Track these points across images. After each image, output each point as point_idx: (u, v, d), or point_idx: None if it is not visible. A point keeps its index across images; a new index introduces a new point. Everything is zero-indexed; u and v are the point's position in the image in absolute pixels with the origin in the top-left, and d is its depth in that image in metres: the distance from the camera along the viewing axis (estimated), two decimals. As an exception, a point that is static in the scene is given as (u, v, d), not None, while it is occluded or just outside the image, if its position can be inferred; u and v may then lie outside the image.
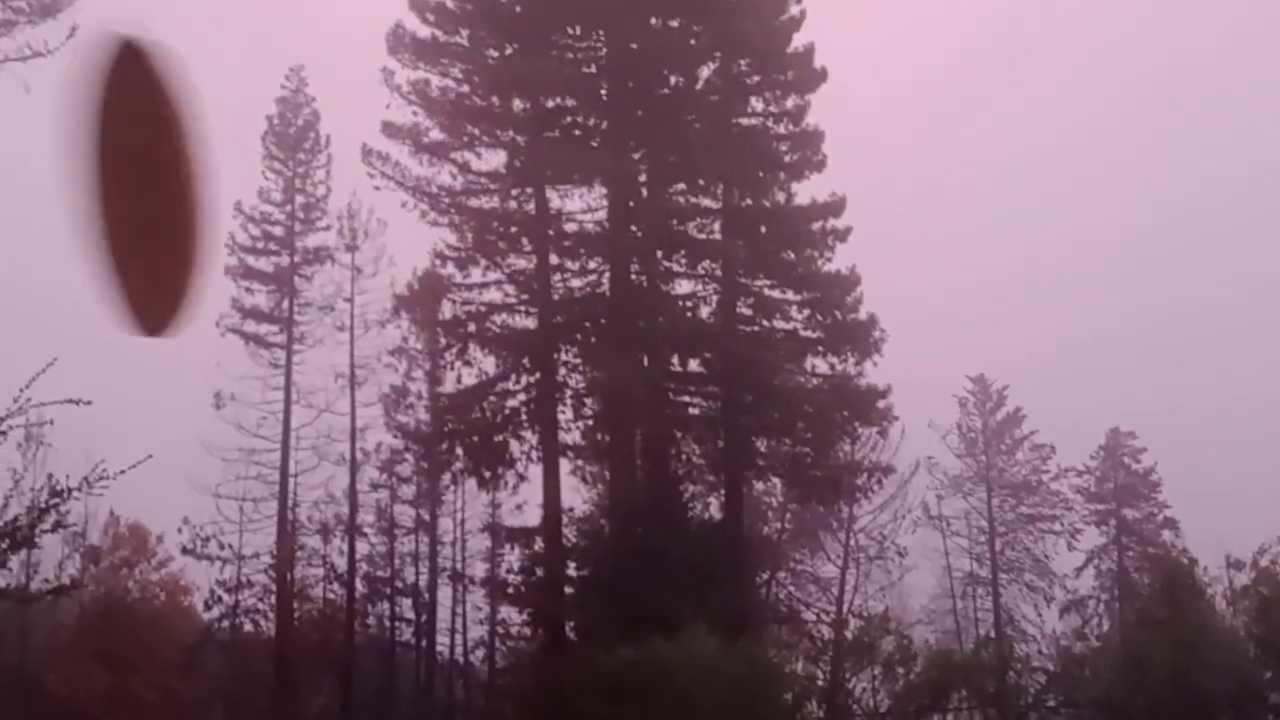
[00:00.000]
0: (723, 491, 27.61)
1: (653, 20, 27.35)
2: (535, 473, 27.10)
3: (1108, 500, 47.38)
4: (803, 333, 27.69)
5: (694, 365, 27.27)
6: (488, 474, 27.80)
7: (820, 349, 27.42)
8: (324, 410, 31.27)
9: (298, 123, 32.78)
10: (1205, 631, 21.81)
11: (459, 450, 28.08)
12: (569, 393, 27.41)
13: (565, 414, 27.25)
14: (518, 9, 27.36)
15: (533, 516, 28.33)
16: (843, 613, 32.81)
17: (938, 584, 42.71)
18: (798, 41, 27.84)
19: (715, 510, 27.68)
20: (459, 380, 28.49)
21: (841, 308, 27.18)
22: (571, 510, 27.56)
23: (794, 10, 28.10)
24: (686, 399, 28.05)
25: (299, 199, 32.34)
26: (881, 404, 27.38)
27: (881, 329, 27.13)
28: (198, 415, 30.59)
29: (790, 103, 28.15)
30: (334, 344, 31.40)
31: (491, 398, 27.72)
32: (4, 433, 7.92)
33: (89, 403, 8.49)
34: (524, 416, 27.37)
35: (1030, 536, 46.23)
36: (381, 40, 27.01)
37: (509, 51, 27.46)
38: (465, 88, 27.41)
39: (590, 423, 27.45)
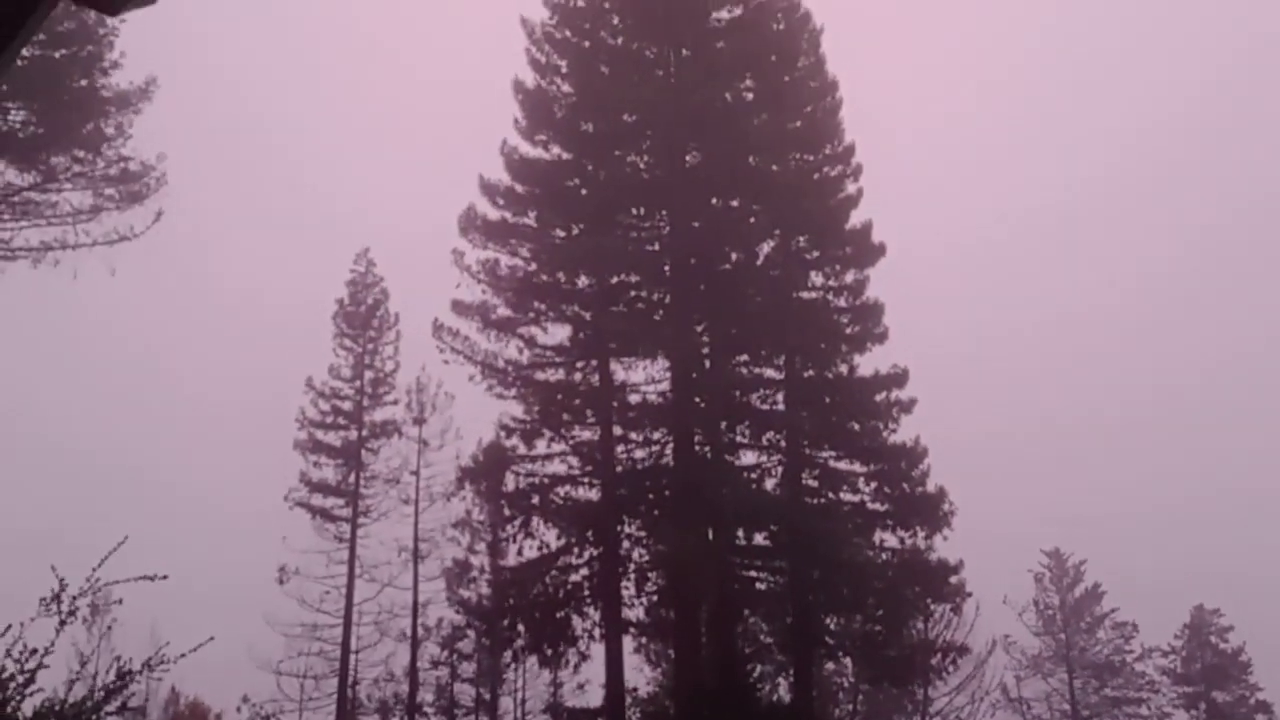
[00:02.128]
0: (791, 671, 26.63)
1: (714, 200, 28.12)
2: (598, 651, 26.45)
3: (1196, 682, 45.07)
4: (870, 505, 27.18)
5: (760, 538, 26.77)
6: (549, 651, 27.18)
7: (889, 522, 26.84)
8: (387, 584, 31.18)
9: (367, 301, 33.92)
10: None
11: (520, 626, 27.58)
12: (632, 567, 26.97)
13: (628, 589, 26.74)
14: (584, 191, 28.34)
15: (595, 696, 27.57)
16: (921, 803, 31.01)
17: (1021, 771, 40.40)
18: (855, 218, 28.42)
19: (784, 691, 26.68)
20: (521, 554, 28.24)
21: (909, 480, 26.73)
22: (635, 690, 26.75)
23: (850, 189, 28.82)
24: (753, 574, 27.44)
25: (368, 374, 33.13)
26: (954, 579, 26.55)
27: (951, 501, 26.57)
28: (263, 589, 30.62)
29: (850, 277, 28.49)
30: (399, 517, 31.58)
31: (554, 572, 27.34)
32: (74, 612, 7.90)
33: (164, 577, 8.47)
34: (586, 591, 26.91)
35: (1117, 721, 43.96)
36: (449, 219, 28.08)
37: (575, 231, 28.31)
38: (533, 266, 28.19)
39: (654, 598, 26.87)
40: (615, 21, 29.51)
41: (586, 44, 29.33)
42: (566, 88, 29.35)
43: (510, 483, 28.03)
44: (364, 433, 32.65)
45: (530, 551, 27.59)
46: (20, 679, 7.32)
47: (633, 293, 28.57)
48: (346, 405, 32.97)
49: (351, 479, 32.31)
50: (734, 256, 27.96)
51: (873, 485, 27.16)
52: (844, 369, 27.88)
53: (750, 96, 28.76)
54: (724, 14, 29.14)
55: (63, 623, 7.72)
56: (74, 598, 8.00)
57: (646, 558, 27.08)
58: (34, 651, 7.24)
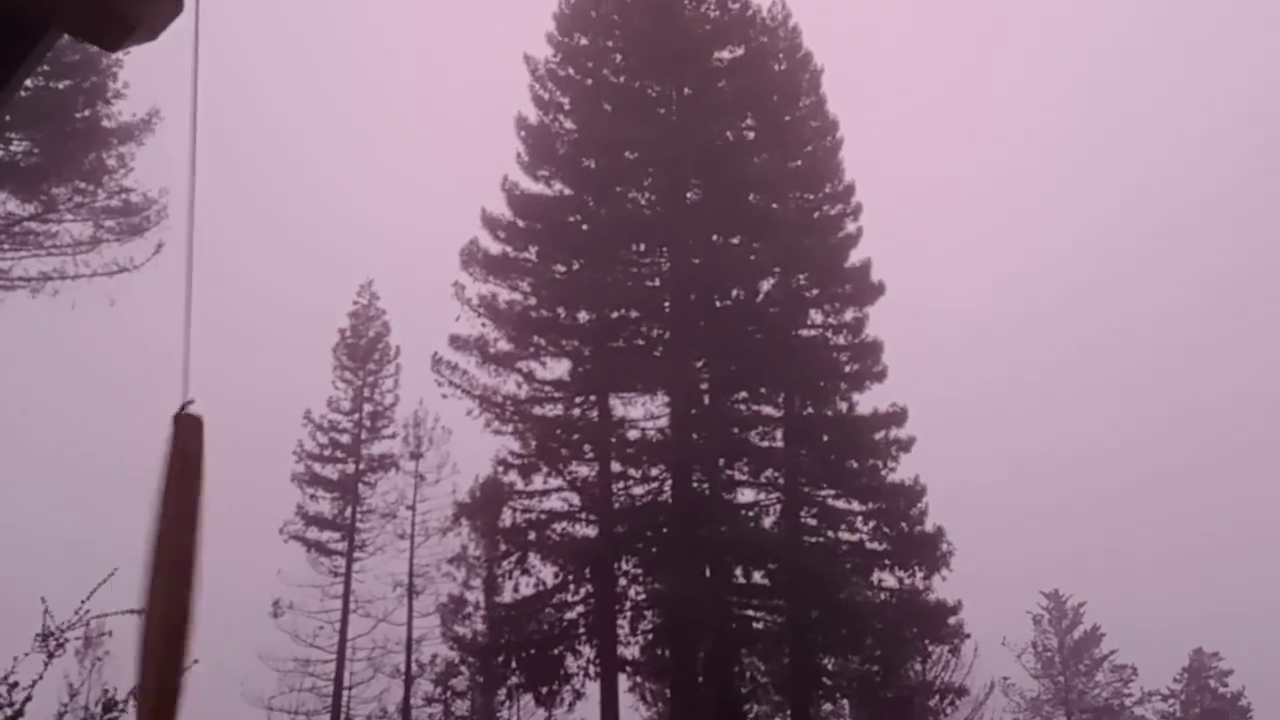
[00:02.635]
0: (789, 712, 26.37)
1: (715, 237, 28.21)
2: (593, 689, 26.19)
3: (1197, 727, 44.67)
4: (869, 544, 27.05)
5: (758, 577, 26.62)
6: (544, 689, 26.89)
7: (887, 562, 26.71)
8: (381, 620, 30.93)
9: (369, 334, 33.90)
10: None
11: (515, 664, 27.32)
12: (629, 605, 26.79)
13: (624, 627, 26.53)
14: (585, 227, 28.43)
15: (590, 736, 27.21)
16: None
17: (1020, 817, 39.98)
18: (855, 257, 28.53)
19: (781, 732, 26.38)
20: (517, 590, 28.02)
21: (908, 519, 26.62)
22: (630, 730, 26.46)
23: (850, 228, 28.97)
24: (750, 613, 27.23)
25: (367, 408, 33.06)
26: (952, 620, 26.35)
27: (949, 542, 26.45)
28: (255, 623, 30.37)
29: (849, 315, 28.55)
30: (394, 552, 31.39)
31: (549, 609, 27.13)
32: (62, 644, 7.81)
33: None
34: (582, 629, 26.69)
35: (1117, 766, 43.58)
36: (450, 251, 28.15)
37: (576, 266, 28.37)
38: (533, 300, 28.22)
39: (650, 637, 26.65)
40: (618, 60, 29.75)
41: (589, 81, 29.56)
42: (569, 124, 29.54)
43: (507, 518, 27.87)
44: (361, 466, 32.53)
45: (526, 588, 27.40)
46: (8, 711, 7.23)
47: (633, 328, 28.58)
48: (345, 438, 32.88)
49: (348, 513, 32.16)
50: (734, 293, 28.01)
51: (871, 524, 27.06)
52: (843, 407, 27.86)
53: (751, 135, 28.96)
54: (726, 54, 29.39)
55: (51, 655, 7.63)
56: (63, 630, 7.92)
57: (643, 596, 26.89)
58: (15, 685, 7.15)
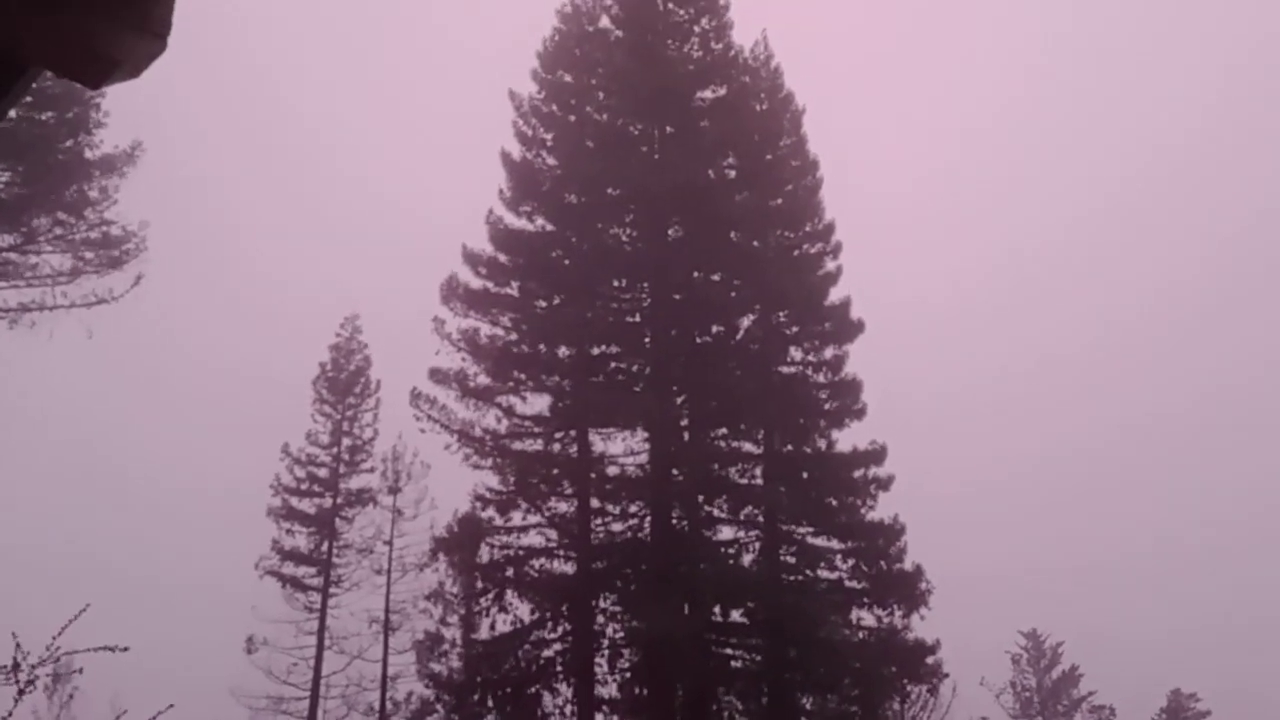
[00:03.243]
0: (767, 752, 26.15)
1: (695, 274, 28.34)
2: (570, 728, 25.93)
3: (1176, 768, 44.59)
4: (848, 583, 27.01)
5: (736, 615, 26.50)
6: (520, 728, 26.65)
7: (866, 600, 26.67)
8: (356, 657, 30.62)
9: (349, 368, 33.78)
10: None
11: (491, 702, 27.04)
12: (606, 643, 26.62)
13: (602, 665, 26.35)
14: (567, 262, 28.52)
15: (566, 776, 26.89)
16: None
17: None
18: (834, 295, 28.71)
19: (759, 772, 26.15)
20: (494, 627, 27.80)
21: (886, 557, 26.62)
22: (607, 769, 26.17)
23: (830, 266, 29.18)
24: (729, 651, 27.10)
25: (345, 441, 32.88)
26: (931, 660, 26.31)
27: (928, 580, 26.45)
28: (229, 659, 30.03)
29: (829, 353, 28.68)
30: (370, 588, 31.12)
31: (526, 646, 26.92)
32: (33, 681, 7.73)
33: (125, 649, 8.30)
34: (559, 667, 26.48)
35: (1096, 808, 43.44)
36: (431, 286, 28.15)
37: (557, 301, 28.42)
38: (513, 335, 28.23)
39: (628, 675, 26.46)
40: (601, 98, 30.00)
41: (573, 119, 29.77)
42: (552, 160, 29.70)
43: (485, 554, 27.71)
44: (339, 500, 32.32)
45: (503, 625, 27.19)
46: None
47: (613, 364, 28.61)
48: (323, 472, 32.68)
49: (324, 548, 31.90)
50: (715, 330, 28.10)
51: (850, 563, 27.03)
52: (822, 444, 27.91)
53: (733, 174, 29.19)
54: (708, 93, 29.67)
55: (21, 692, 7.53)
56: (33, 666, 7.82)
57: (621, 634, 26.73)
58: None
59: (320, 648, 30.83)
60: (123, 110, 26.69)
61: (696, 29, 30.18)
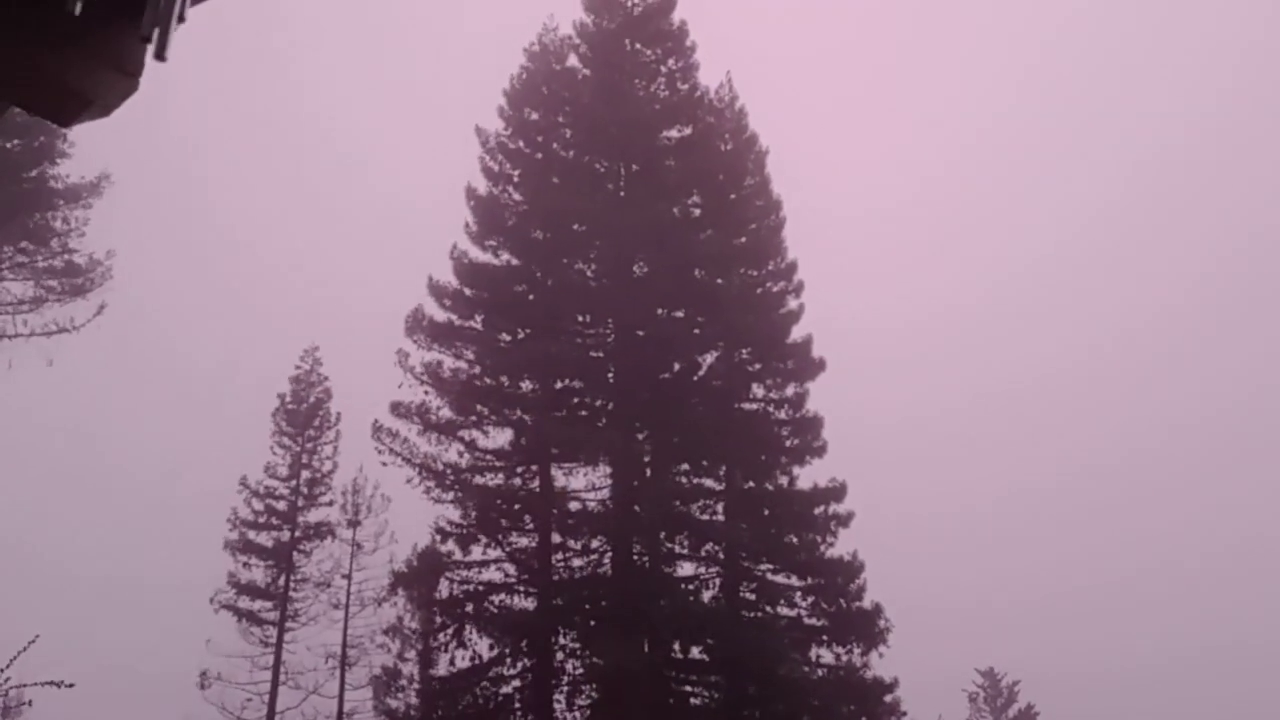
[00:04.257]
0: (725, 790, 26.03)
1: (659, 310, 28.55)
2: (528, 765, 25.73)
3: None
4: (807, 620, 27.06)
5: (696, 652, 26.47)
6: (478, 765, 26.40)
7: (825, 638, 26.72)
8: (312, 692, 30.25)
9: (309, 400, 33.60)
10: None
11: (448, 739, 26.78)
12: (566, 679, 26.47)
13: (560, 702, 26.18)
14: (531, 297, 28.65)
15: (523, 814, 26.61)
16: None
17: None
18: (796, 333, 28.98)
19: (717, 811, 26.01)
20: (453, 663, 27.58)
21: (846, 595, 26.72)
22: (565, 808, 25.93)
23: (792, 304, 29.48)
24: (688, 688, 27.02)
25: (305, 474, 32.64)
26: (889, 698, 26.34)
27: (886, 619, 26.57)
28: (181, 695, 29.56)
29: (790, 390, 28.89)
30: (328, 622, 30.80)
31: (485, 683, 26.72)
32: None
33: (71, 685, 8.25)
34: (518, 704, 26.30)
35: None
36: (394, 320, 28.16)
37: (521, 336, 28.51)
38: (477, 369, 28.25)
39: (588, 712, 26.32)
40: (568, 135, 30.30)
41: (539, 155, 30.03)
42: (518, 196, 29.91)
43: (444, 589, 27.54)
44: (297, 534, 32.02)
45: (462, 661, 26.99)
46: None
47: (576, 399, 28.68)
48: (281, 505, 32.38)
49: (281, 581, 31.55)
50: (677, 366, 28.28)
51: (810, 600, 27.10)
52: (783, 481, 28.05)
53: (698, 212, 29.51)
54: (674, 133, 30.06)
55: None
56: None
57: (580, 670, 26.61)
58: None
59: (275, 683, 30.41)
60: (89, 140, 26.62)
61: (663, 69, 30.62)
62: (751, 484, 28.12)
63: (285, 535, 32.15)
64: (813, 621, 27.07)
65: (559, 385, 28.49)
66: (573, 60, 30.89)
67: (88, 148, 26.37)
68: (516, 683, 26.50)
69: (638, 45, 30.68)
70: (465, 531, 27.12)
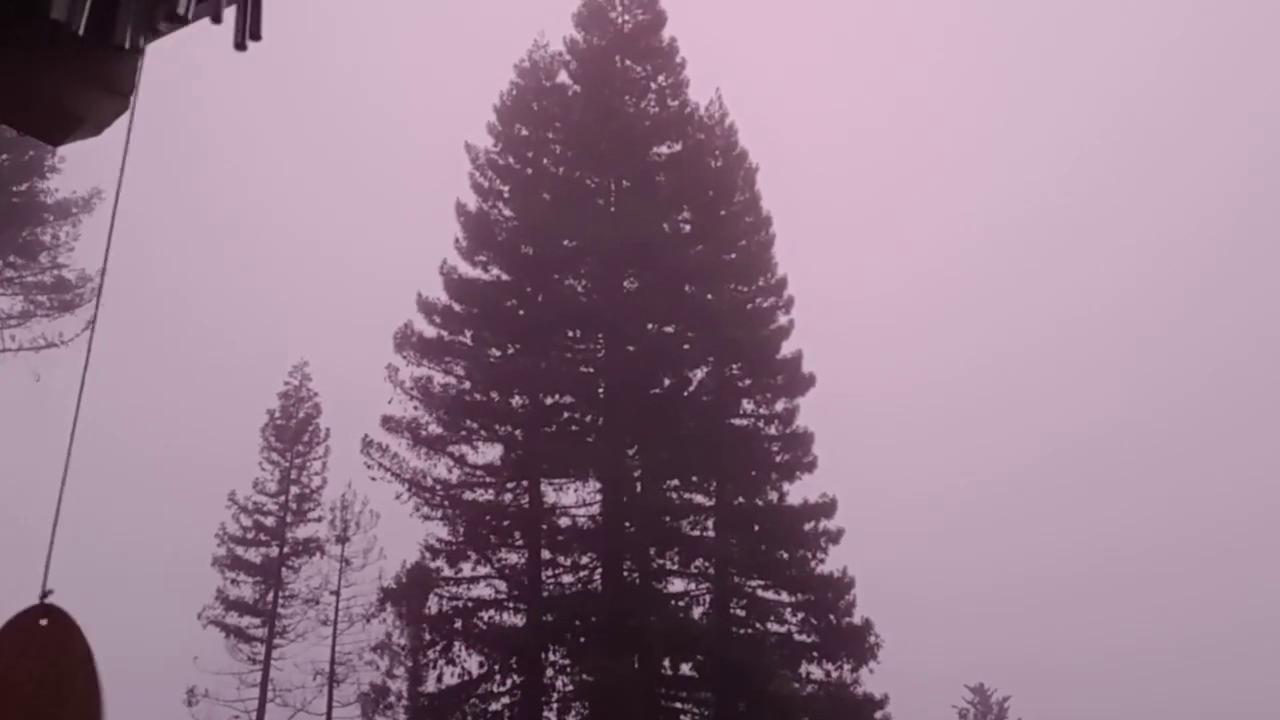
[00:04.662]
0: (715, 807, 25.93)
1: (650, 326, 28.57)
2: (517, 783, 25.59)
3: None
4: (797, 636, 27.01)
5: (686, 668, 26.39)
6: (466, 783, 26.26)
7: (815, 654, 26.67)
8: (300, 709, 30.09)
9: (299, 415, 33.50)
10: None
11: (437, 756, 26.63)
12: (555, 696, 26.36)
13: (550, 719, 26.09)
14: (521, 312, 28.65)
15: (512, 832, 26.46)
16: None
17: None
18: (786, 349, 29.00)
19: (707, 829, 25.92)
20: (441, 680, 27.44)
21: (836, 611, 26.68)
22: (554, 826, 25.80)
23: (783, 320, 29.52)
24: (678, 705, 26.94)
25: (293, 490, 32.51)
26: (879, 715, 26.29)
27: (877, 634, 26.53)
28: (169, 712, 29.35)
29: (780, 405, 28.91)
30: (316, 639, 30.64)
31: (474, 700, 26.60)
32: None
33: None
34: (507, 720, 26.18)
35: None
36: (383, 333, 28.14)
37: (511, 351, 28.50)
38: (466, 384, 28.22)
39: (577, 729, 26.22)
40: (558, 151, 30.37)
41: (529, 171, 30.09)
42: (508, 212, 29.95)
43: (433, 606, 27.44)
44: (286, 550, 31.88)
45: (451, 678, 26.87)
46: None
47: (566, 414, 28.66)
48: (270, 521, 32.25)
49: (270, 597, 31.40)
50: (668, 381, 28.28)
51: (800, 616, 27.05)
52: (773, 497, 28.03)
53: (688, 228, 29.58)
54: (664, 149, 30.17)
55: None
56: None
57: (570, 687, 26.51)
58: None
59: (263, 700, 30.22)
60: (78, 156, 26.53)
61: (653, 86, 30.75)
62: (742, 500, 28.11)
63: (274, 551, 32.00)
64: (803, 638, 27.02)
65: (549, 400, 28.47)
66: (563, 76, 31.00)
67: (76, 155, 26.31)
68: (506, 700, 26.38)
69: (628, 62, 30.80)
70: (455, 548, 27.05)
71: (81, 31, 2.56)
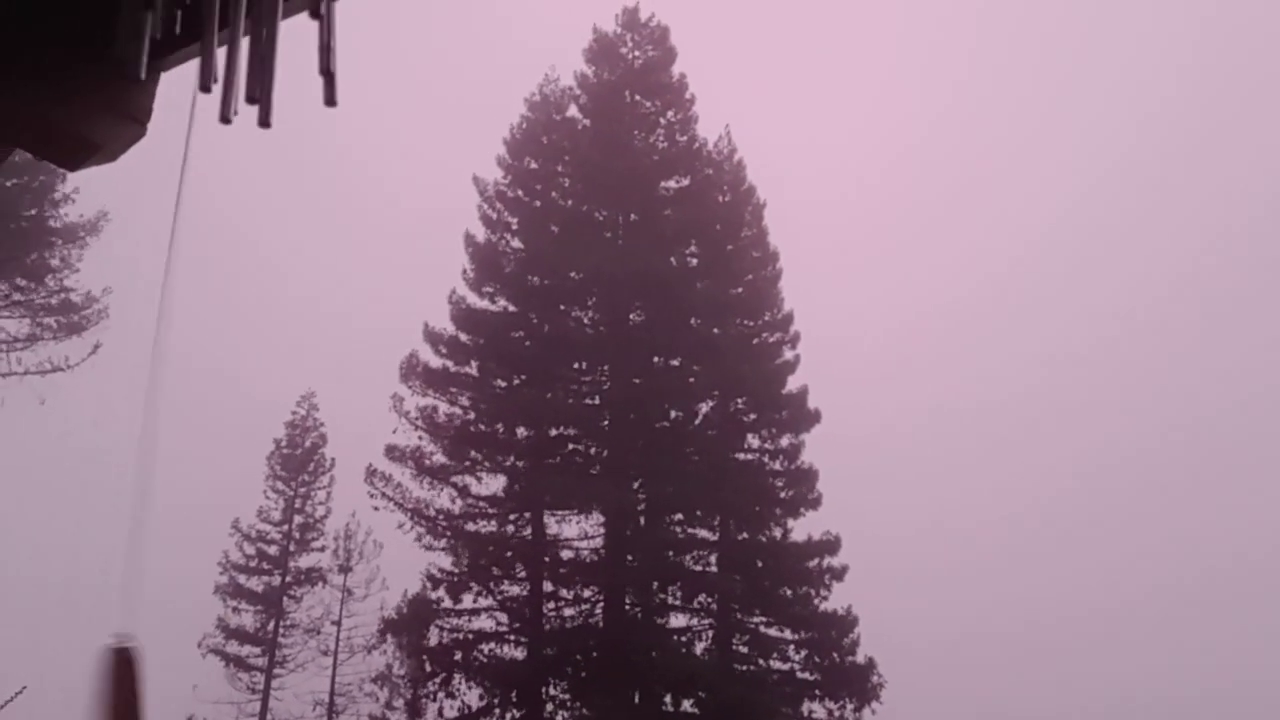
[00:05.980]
0: (715, 847, 25.62)
1: (655, 359, 28.60)
2: (515, 819, 25.33)
3: None
4: (800, 674, 26.80)
5: (687, 705, 26.16)
6: (464, 819, 26.00)
7: (817, 692, 26.44)
8: (298, 740, 29.81)
9: (304, 444, 33.52)
10: None
11: (434, 791, 26.38)
12: (555, 730, 26.15)
13: (550, 754, 25.86)
14: (527, 344, 28.69)
15: None
16: None
17: None
18: (792, 384, 29.01)
19: None
20: (441, 713, 27.24)
21: (839, 649, 26.48)
22: None
23: (788, 355, 29.54)
24: (678, 743, 26.71)
25: (297, 519, 32.47)
26: (883, 754, 26.06)
27: (880, 674, 26.31)
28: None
29: (785, 441, 28.85)
30: (316, 669, 30.49)
31: (473, 733, 26.39)
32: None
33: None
34: (506, 755, 25.95)
35: None
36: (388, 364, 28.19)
37: (516, 382, 28.51)
38: (471, 415, 28.22)
39: (576, 765, 25.98)
40: (567, 184, 30.53)
41: (537, 204, 30.24)
42: (516, 243, 30.08)
43: (434, 637, 27.28)
44: (288, 579, 31.78)
45: (450, 711, 26.65)
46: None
47: (571, 446, 28.61)
48: (273, 550, 32.17)
49: (270, 627, 31.26)
50: (673, 415, 28.26)
51: (803, 654, 26.85)
52: (777, 533, 27.92)
53: (695, 262, 29.67)
54: (672, 184, 30.33)
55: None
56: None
57: (570, 722, 26.29)
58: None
59: (261, 731, 30.04)
60: (87, 185, 26.70)
61: (662, 121, 30.96)
62: (745, 535, 27.99)
63: (276, 580, 31.90)
64: (805, 675, 26.81)
65: (553, 433, 28.45)
66: (573, 110, 31.22)
67: (81, 178, 26.44)
68: (505, 734, 26.16)
69: (637, 97, 31.03)
70: (456, 579, 26.92)
71: (143, 76, 2.57)
